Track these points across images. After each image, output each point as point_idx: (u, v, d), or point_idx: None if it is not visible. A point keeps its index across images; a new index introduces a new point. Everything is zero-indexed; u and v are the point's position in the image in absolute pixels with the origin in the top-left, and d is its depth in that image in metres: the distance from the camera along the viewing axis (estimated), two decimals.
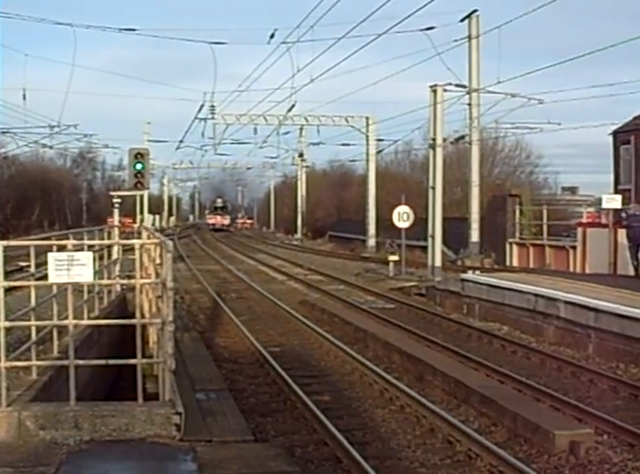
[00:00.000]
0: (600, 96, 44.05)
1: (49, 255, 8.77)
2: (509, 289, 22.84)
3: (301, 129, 74.71)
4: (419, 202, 41.59)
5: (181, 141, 73.87)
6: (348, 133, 62.50)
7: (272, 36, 37.75)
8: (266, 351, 17.95)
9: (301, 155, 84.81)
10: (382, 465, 10.60)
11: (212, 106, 58.06)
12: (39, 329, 10.72)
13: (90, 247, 13.28)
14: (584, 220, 36.00)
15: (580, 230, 32.45)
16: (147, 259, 15.15)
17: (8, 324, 9.24)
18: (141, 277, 13.42)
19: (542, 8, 25.11)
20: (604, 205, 28.83)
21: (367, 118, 59.88)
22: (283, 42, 36.91)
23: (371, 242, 57.67)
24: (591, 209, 39.31)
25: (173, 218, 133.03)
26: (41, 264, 10.24)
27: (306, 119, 62.29)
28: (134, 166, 24.24)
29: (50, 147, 63.52)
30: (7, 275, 9.62)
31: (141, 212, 75.57)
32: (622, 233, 27.64)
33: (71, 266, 8.64)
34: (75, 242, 10.76)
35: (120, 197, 26.18)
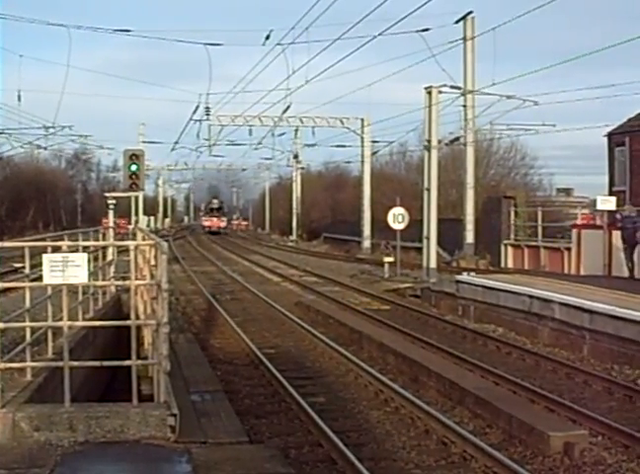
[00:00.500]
0: (594, 98, 43.95)
1: (44, 256, 8.76)
2: (504, 291, 22.85)
3: (296, 131, 74.65)
4: (414, 204, 41.58)
5: (176, 143, 73.88)
6: (343, 135, 62.58)
7: (267, 37, 37.77)
8: (261, 352, 17.95)
9: (296, 156, 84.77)
10: (377, 467, 10.61)
11: (207, 107, 58.01)
12: (33, 330, 10.70)
13: (85, 248, 13.26)
14: (578, 222, 36.00)
15: (574, 232, 32.47)
16: (142, 260, 15.12)
17: (2, 325, 9.24)
18: (136, 279, 13.44)
19: (537, 10, 25.15)
20: (599, 207, 28.85)
21: (362, 120, 59.93)
22: (279, 44, 36.93)
23: (366, 243, 57.69)
24: (585, 211, 39.34)
25: (168, 220, 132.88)
26: (36, 265, 10.23)
27: (301, 121, 62.28)
28: (129, 167, 24.22)
29: (45, 148, 63.49)
30: (1, 276, 9.61)
31: (136, 214, 75.49)
32: (617, 235, 27.67)
33: (66, 267, 8.64)
34: (70, 243, 10.74)
35: (114, 198, 26.17)
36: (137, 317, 11.86)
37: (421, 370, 15.57)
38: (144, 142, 75.52)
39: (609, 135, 43.98)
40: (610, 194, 37.37)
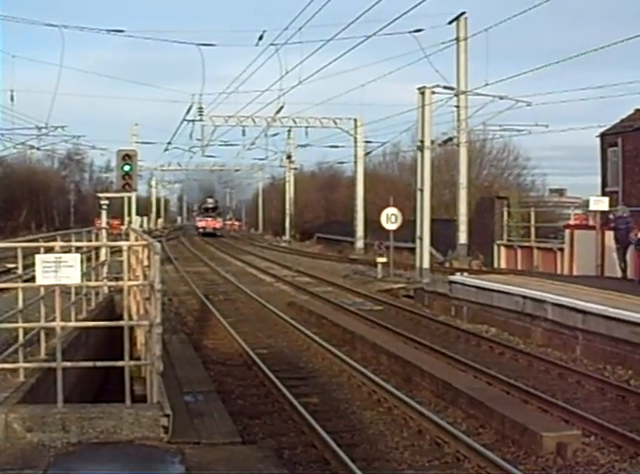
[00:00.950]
0: (587, 98, 44.07)
1: (37, 256, 8.75)
2: (497, 291, 22.88)
3: (289, 131, 74.62)
4: (407, 204, 41.59)
5: (169, 143, 73.83)
6: (336, 135, 62.63)
7: (260, 37, 37.86)
8: (254, 352, 17.95)
9: (289, 157, 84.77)
10: (370, 467, 10.62)
11: (201, 107, 58.03)
12: (26, 331, 10.68)
13: (77, 249, 13.24)
14: (571, 222, 36.07)
15: (567, 232, 32.53)
16: (135, 261, 15.11)
17: None
18: (129, 279, 13.42)
19: (530, 10, 25.23)
20: (592, 207, 28.89)
21: (356, 120, 59.97)
22: (272, 44, 37.01)
23: (360, 244, 57.71)
24: (578, 211, 39.40)
25: (161, 220, 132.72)
26: (29, 265, 10.22)
27: (294, 121, 62.28)
28: (122, 168, 24.19)
29: (38, 149, 63.39)
30: None
31: (129, 214, 75.44)
32: (610, 235, 27.71)
33: (59, 267, 8.62)
34: (63, 244, 10.72)
35: (107, 198, 26.13)
36: (130, 318, 11.85)
37: (414, 371, 15.58)
38: (137, 143, 75.50)
39: (602, 136, 44.03)
40: (603, 194, 37.42)
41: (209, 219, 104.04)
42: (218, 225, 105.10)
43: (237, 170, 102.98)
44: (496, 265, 37.48)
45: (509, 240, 38.06)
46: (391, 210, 36.79)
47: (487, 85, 33.69)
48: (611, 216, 27.88)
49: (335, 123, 61.23)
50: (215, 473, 7.77)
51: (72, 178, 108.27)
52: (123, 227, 48.30)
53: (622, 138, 42.24)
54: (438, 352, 18.34)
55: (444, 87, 35.71)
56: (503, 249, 38.06)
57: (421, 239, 34.35)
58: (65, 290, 13.03)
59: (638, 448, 11.06)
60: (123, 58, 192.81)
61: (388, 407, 13.69)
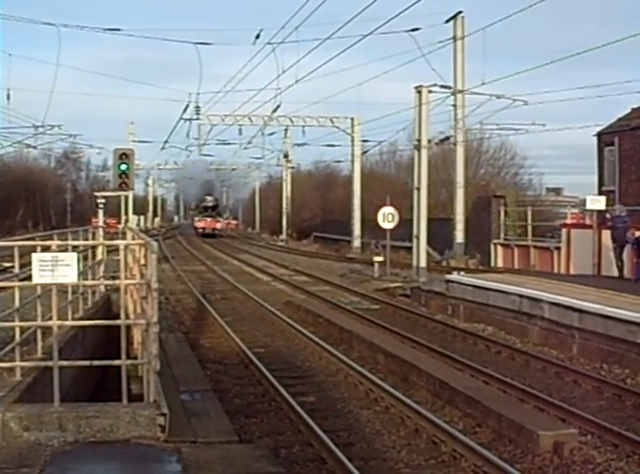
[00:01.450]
0: (584, 97, 44.22)
1: (34, 255, 8.74)
2: (493, 290, 22.89)
3: (286, 130, 74.61)
4: (404, 203, 41.64)
5: (166, 142, 73.78)
6: (333, 134, 62.64)
7: (257, 36, 37.89)
8: (251, 351, 17.95)
9: (286, 156, 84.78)
10: (367, 466, 10.62)
11: (197, 106, 58.01)
12: (22, 330, 10.67)
13: (74, 247, 13.23)
14: (568, 221, 36.10)
15: (564, 231, 32.56)
16: (132, 260, 15.11)
17: None
18: (126, 278, 13.41)
19: (527, 10, 25.22)
20: (589, 207, 28.89)
21: (352, 119, 59.98)
22: (269, 43, 37.02)
23: (356, 243, 57.74)
24: (575, 210, 39.43)
25: (158, 219, 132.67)
26: (25, 264, 10.21)
27: (291, 120, 62.30)
28: (119, 166, 24.15)
29: (35, 147, 63.40)
30: None
31: (126, 213, 75.47)
32: (606, 234, 27.73)
33: (55, 266, 8.62)
34: (59, 242, 10.72)
35: (104, 197, 26.11)
36: (127, 316, 11.83)
37: (411, 370, 15.59)
38: (134, 141, 75.52)
39: (599, 135, 44.03)
40: (600, 193, 37.40)
41: (209, 219, 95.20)
42: (219, 226, 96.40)
43: (234, 169, 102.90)
44: (493, 264, 37.53)
45: (505, 239, 38.10)
46: (388, 209, 36.82)
47: (484, 84, 33.76)
48: (608, 215, 27.91)
49: (332, 122, 61.24)
50: (212, 472, 7.76)
51: (69, 177, 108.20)
52: (120, 226, 48.29)
53: (619, 137, 42.24)
54: (434, 351, 18.35)
55: (441, 86, 35.75)
56: (500, 248, 38.12)
57: (418, 238, 34.38)
58: (62, 289, 13.04)
59: (634, 447, 11.08)
60: (120, 57, 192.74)
61: (385, 406, 13.69)
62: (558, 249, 32.73)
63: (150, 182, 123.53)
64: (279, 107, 52.53)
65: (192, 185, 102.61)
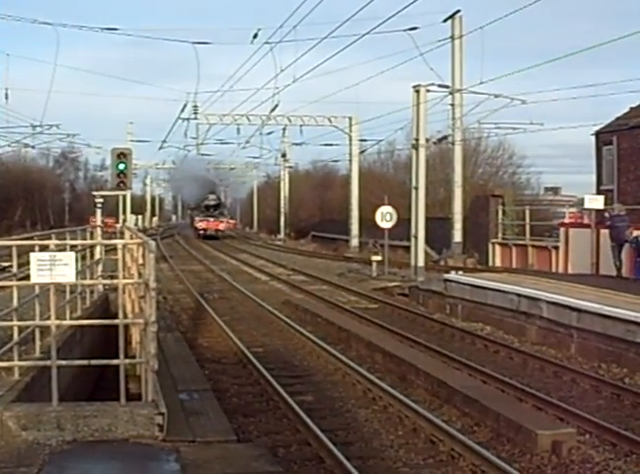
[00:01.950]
0: (582, 96, 44.17)
1: (32, 255, 8.74)
2: (491, 289, 22.88)
3: (284, 129, 74.71)
4: (402, 203, 41.62)
5: (164, 141, 73.74)
6: (331, 133, 62.72)
7: (255, 36, 37.86)
8: (249, 351, 17.93)
9: (284, 155, 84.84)
10: (365, 465, 10.61)
11: (195, 106, 58.06)
12: (21, 329, 10.68)
13: (72, 247, 13.23)
14: (566, 220, 36.10)
15: (562, 230, 32.55)
16: (130, 259, 15.11)
17: None
18: (124, 278, 13.41)
19: (525, 9, 25.24)
20: (587, 206, 28.89)
21: (350, 119, 59.99)
22: (266, 42, 37.03)
23: (354, 242, 57.76)
24: (573, 210, 39.44)
25: (155, 219, 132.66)
26: (24, 264, 10.20)
27: (289, 120, 62.31)
28: (117, 166, 24.15)
29: (33, 147, 63.43)
30: None
31: (124, 212, 75.44)
32: (605, 233, 27.73)
33: (54, 266, 8.62)
34: (57, 242, 10.72)
35: (102, 196, 26.10)
36: (125, 316, 11.83)
37: (409, 369, 15.58)
38: (132, 141, 75.51)
39: (597, 134, 44.04)
40: (598, 192, 37.41)
41: (211, 219, 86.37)
42: (222, 226, 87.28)
43: (232, 168, 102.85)
44: (491, 263, 37.52)
45: (503, 238, 38.10)
46: (386, 209, 36.81)
47: (482, 83, 33.72)
48: (607, 214, 27.92)
49: (330, 122, 61.25)
50: (210, 471, 7.77)
51: (67, 176, 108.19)
52: (118, 225, 48.28)
53: (617, 137, 42.25)
54: (432, 350, 18.34)
55: (439, 85, 35.75)
56: (498, 247, 38.11)
57: (416, 237, 34.40)
58: (60, 289, 13.04)
59: (633, 446, 11.07)
60: (118, 56, 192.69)
61: (383, 405, 13.69)
62: (556, 248, 32.72)
63: (148, 181, 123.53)
64: (276, 106, 52.60)
65: (189, 182, 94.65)
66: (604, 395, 14.49)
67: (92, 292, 18.44)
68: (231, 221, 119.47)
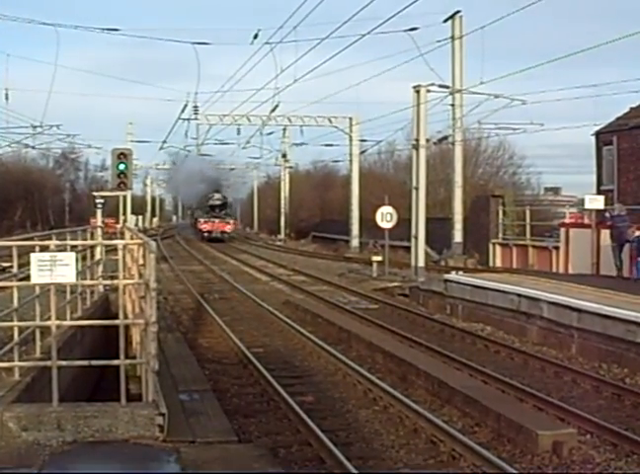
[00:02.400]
0: (582, 97, 44.08)
1: (32, 255, 8.73)
2: (492, 290, 22.88)
3: (284, 130, 74.73)
4: (402, 203, 41.63)
5: (164, 142, 73.73)
6: (331, 134, 62.66)
7: (255, 36, 37.86)
8: (249, 351, 17.93)
9: (284, 155, 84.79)
10: (366, 465, 10.62)
11: (196, 106, 57.97)
12: (21, 330, 10.67)
13: (72, 247, 13.22)
14: (566, 221, 36.08)
15: (563, 230, 32.53)
16: (130, 259, 15.10)
17: None
18: (124, 278, 13.41)
19: (525, 9, 25.22)
20: (587, 206, 28.87)
21: (351, 119, 59.97)
22: (267, 43, 37.01)
23: (355, 242, 57.75)
24: (573, 210, 39.43)
25: (156, 219, 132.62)
26: (24, 264, 10.19)
27: (289, 120, 62.28)
28: (117, 166, 24.16)
29: (33, 147, 63.39)
30: None
31: (124, 213, 75.41)
32: (605, 233, 27.72)
33: (54, 266, 8.61)
34: (58, 242, 10.71)
35: (102, 197, 26.10)
36: (125, 316, 11.82)
37: (409, 369, 15.58)
38: (132, 141, 75.46)
39: (597, 134, 44.01)
40: (598, 192, 37.40)
41: (216, 221, 79.84)
42: (228, 228, 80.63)
43: (232, 169, 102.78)
44: (491, 263, 37.50)
45: (504, 238, 38.09)
46: (386, 209, 36.81)
47: (482, 83, 33.73)
48: (608, 214, 27.92)
49: (330, 122, 61.23)
50: (211, 472, 7.76)
51: (67, 177, 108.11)
52: (119, 226, 48.27)
53: (617, 137, 42.23)
54: (433, 350, 18.34)
55: (440, 85, 35.75)
56: (498, 247, 38.09)
57: (416, 238, 34.39)
58: (60, 289, 13.03)
59: (634, 447, 11.07)
60: (118, 57, 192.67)
61: (384, 405, 13.68)
62: (557, 248, 32.70)
63: (148, 182, 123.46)
64: (277, 106, 52.58)
65: (192, 181, 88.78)
66: (605, 395, 14.49)
67: (92, 293, 18.43)
68: (235, 222, 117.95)
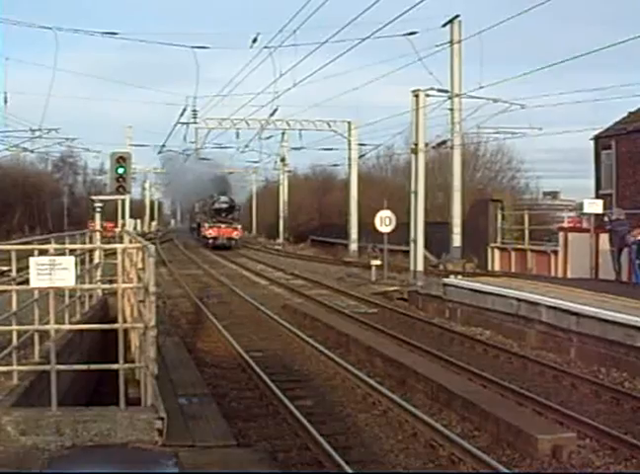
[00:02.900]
0: (581, 101, 44.03)
1: (31, 259, 8.71)
2: (491, 294, 22.88)
3: (283, 134, 74.67)
4: (401, 207, 41.63)
5: (163, 146, 73.63)
6: (330, 138, 62.57)
7: (254, 40, 37.86)
8: (248, 355, 17.92)
9: (283, 160, 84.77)
10: (365, 469, 10.60)
11: (194, 110, 57.95)
12: (20, 334, 10.65)
13: (71, 251, 13.21)
14: (565, 225, 36.10)
15: (561, 235, 32.56)
16: (129, 263, 15.08)
17: None
18: (123, 282, 13.39)
19: (524, 13, 25.23)
20: (586, 210, 28.88)
21: (349, 123, 60.03)
22: (266, 47, 37.04)
23: (354, 246, 57.74)
24: (572, 214, 39.45)
25: (154, 223, 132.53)
26: (22, 268, 10.17)
27: (288, 124, 62.29)
28: (116, 170, 24.13)
29: (32, 151, 63.32)
30: None
31: (122, 217, 75.38)
32: (604, 237, 27.74)
33: (53, 270, 8.59)
34: (57, 246, 10.68)
35: (101, 201, 26.08)
36: (124, 320, 11.81)
37: (408, 373, 15.57)
38: (131, 145, 75.38)
39: (596, 139, 44.07)
40: (597, 197, 37.46)
41: (223, 226, 71.44)
42: (236, 234, 72.10)
43: (231, 172, 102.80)
44: (490, 267, 37.51)
45: (503, 243, 38.11)
46: (385, 213, 36.77)
47: (481, 88, 33.72)
48: (606, 219, 27.93)
49: (329, 126, 61.24)
50: None
51: (66, 180, 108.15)
52: (117, 230, 48.24)
53: (616, 141, 42.28)
54: (432, 354, 18.32)
55: (439, 90, 35.76)
56: (497, 251, 38.11)
57: (415, 242, 34.37)
58: (59, 293, 13.00)
59: (633, 451, 11.07)
60: (117, 61, 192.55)
61: (383, 410, 13.67)
62: (555, 252, 32.73)
63: (147, 186, 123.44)
64: (276, 110, 52.60)
65: (195, 181, 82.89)
66: (604, 399, 14.48)
67: (91, 297, 18.42)
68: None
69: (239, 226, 73.52)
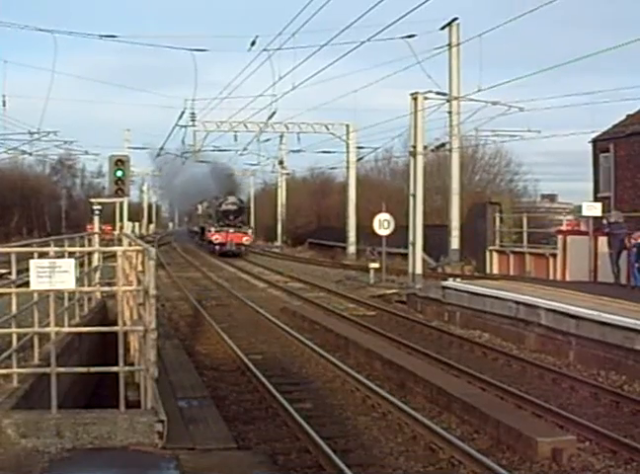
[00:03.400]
0: (579, 104, 44.20)
1: (31, 262, 8.71)
2: (490, 297, 22.87)
3: (282, 137, 74.51)
4: (399, 210, 41.63)
5: (161, 148, 73.59)
6: (328, 141, 62.63)
7: (253, 43, 37.88)
8: (247, 358, 17.91)
9: (281, 162, 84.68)
10: (365, 472, 10.60)
11: (193, 113, 57.95)
12: (19, 336, 10.64)
13: (70, 254, 13.20)
14: (563, 228, 36.08)
15: (560, 238, 32.52)
16: (128, 266, 15.07)
17: None
18: (123, 285, 13.39)
19: (523, 17, 25.28)
20: (585, 213, 28.91)
21: (348, 126, 60.04)
22: (265, 50, 37.07)
23: (352, 249, 57.77)
24: (570, 217, 39.43)
25: (152, 226, 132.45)
26: (21, 271, 10.17)
27: (287, 127, 62.27)
28: (114, 173, 24.13)
29: (30, 154, 63.32)
30: None
31: (121, 220, 75.30)
32: (602, 240, 27.75)
33: (53, 273, 8.59)
34: (56, 249, 10.68)
35: (99, 204, 26.07)
36: (124, 323, 11.81)
37: (408, 376, 15.56)
38: (130, 148, 75.34)
39: (594, 142, 44.04)
40: (595, 200, 37.40)
41: (231, 230, 62.89)
42: (246, 239, 63.71)
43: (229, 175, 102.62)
44: (488, 270, 37.44)
45: (501, 246, 38.03)
46: (384, 216, 36.77)
47: (480, 91, 33.72)
48: (605, 222, 27.93)
49: (327, 129, 61.26)
50: None
51: (64, 183, 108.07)
52: (116, 232, 48.22)
53: (614, 144, 42.25)
54: (431, 357, 18.33)
55: (437, 93, 35.78)
56: (495, 254, 38.03)
57: (413, 245, 34.35)
58: (58, 295, 13.00)
59: (633, 454, 11.07)
60: (116, 63, 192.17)
61: (382, 412, 13.67)
62: (554, 255, 32.69)
63: (145, 188, 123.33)
64: (274, 113, 52.60)
65: (203, 179, 76.14)
66: (604, 402, 14.48)
67: (90, 299, 18.41)
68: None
69: (249, 231, 66.08)
